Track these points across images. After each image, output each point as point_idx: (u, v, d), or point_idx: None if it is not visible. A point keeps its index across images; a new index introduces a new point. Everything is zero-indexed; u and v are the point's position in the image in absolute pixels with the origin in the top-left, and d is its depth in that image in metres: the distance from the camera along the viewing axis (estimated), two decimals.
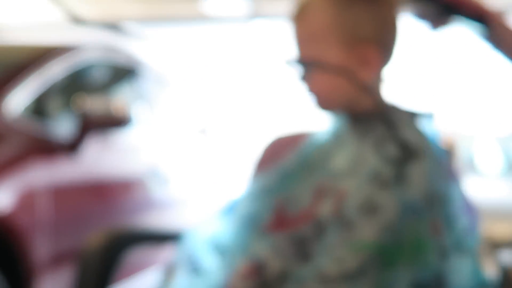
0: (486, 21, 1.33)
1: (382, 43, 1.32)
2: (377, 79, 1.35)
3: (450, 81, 8.42)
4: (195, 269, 1.33)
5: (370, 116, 1.33)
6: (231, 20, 8.65)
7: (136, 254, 1.74)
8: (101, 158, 2.94)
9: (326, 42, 1.31)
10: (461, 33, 1.40)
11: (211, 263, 1.32)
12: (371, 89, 1.34)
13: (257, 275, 1.26)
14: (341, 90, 1.33)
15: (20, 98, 2.66)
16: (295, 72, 1.35)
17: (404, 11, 1.35)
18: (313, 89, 1.34)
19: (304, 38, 1.34)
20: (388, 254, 1.23)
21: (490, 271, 1.35)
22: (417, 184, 1.26)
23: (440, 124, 1.36)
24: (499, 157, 8.27)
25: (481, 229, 1.36)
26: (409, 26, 1.39)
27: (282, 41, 1.38)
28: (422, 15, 1.35)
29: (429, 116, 1.35)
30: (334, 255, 1.23)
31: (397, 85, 1.44)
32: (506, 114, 8.16)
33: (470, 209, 1.33)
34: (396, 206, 1.24)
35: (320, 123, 1.38)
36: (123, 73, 3.47)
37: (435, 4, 1.33)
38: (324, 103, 1.35)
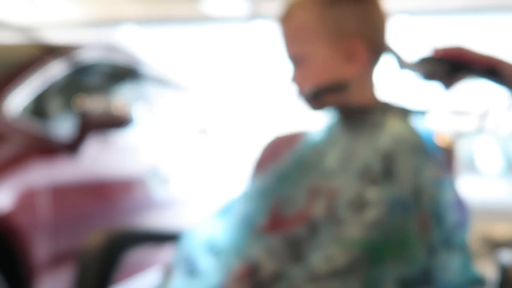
0: (497, 70, 1.33)
1: (369, 39, 1.33)
2: (368, 75, 1.36)
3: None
4: (191, 270, 1.34)
5: (361, 113, 1.34)
6: (231, 21, 8.65)
7: (136, 254, 1.74)
8: (101, 158, 2.94)
9: (312, 39, 1.34)
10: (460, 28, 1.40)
11: (207, 264, 1.32)
12: (362, 86, 1.35)
13: (251, 276, 1.26)
14: (341, 79, 1.34)
15: (20, 98, 2.67)
16: (286, 72, 1.37)
17: (414, 72, 1.36)
18: (302, 88, 1.35)
19: (290, 37, 1.36)
20: (375, 250, 1.24)
21: (490, 271, 1.35)
22: (405, 179, 1.26)
23: (440, 123, 1.37)
24: (499, 157, 8.27)
25: (478, 228, 1.36)
26: (404, 23, 1.40)
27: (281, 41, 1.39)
28: (432, 76, 1.36)
29: (422, 113, 1.35)
30: (324, 253, 1.24)
31: (394, 84, 1.45)
32: (506, 114, 8.16)
33: (461, 205, 1.34)
34: (384, 202, 1.24)
35: (314, 121, 1.39)
36: (123, 73, 3.47)
37: (444, 64, 1.34)
38: (314, 101, 1.36)
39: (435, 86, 1.37)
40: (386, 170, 1.27)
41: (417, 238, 1.25)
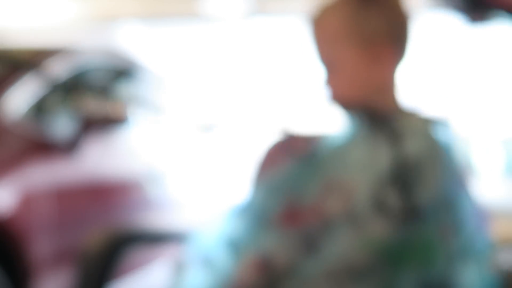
0: None
1: (396, 41, 1.34)
2: (393, 77, 1.36)
3: (451, 83, 8.43)
4: (207, 263, 1.34)
5: (386, 116, 1.34)
6: (232, 19, 8.65)
7: (136, 254, 1.74)
8: (100, 159, 2.94)
9: (340, 44, 1.35)
10: (463, 35, 1.40)
11: (223, 258, 1.33)
12: (388, 90, 1.35)
13: (264, 269, 1.27)
14: (360, 91, 1.35)
15: (20, 99, 2.67)
16: (318, 74, 1.37)
17: (437, 6, 1.35)
18: (333, 91, 1.36)
19: (321, 41, 1.37)
20: (396, 253, 1.24)
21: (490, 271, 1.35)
22: (427, 186, 1.27)
23: (453, 129, 1.37)
24: (500, 157, 8.27)
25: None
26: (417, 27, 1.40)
27: (285, 38, 1.39)
28: (458, 8, 1.35)
29: (445, 123, 1.35)
30: (342, 250, 1.24)
31: (408, 88, 1.45)
32: (508, 116, 8.17)
33: (480, 215, 1.34)
34: (405, 206, 1.25)
35: (332, 120, 1.40)
36: (122, 74, 3.47)
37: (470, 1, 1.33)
38: (344, 103, 1.36)
39: (464, 21, 1.36)
40: (408, 176, 1.27)
41: (438, 246, 1.26)
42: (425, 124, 1.34)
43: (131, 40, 3.93)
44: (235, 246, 1.32)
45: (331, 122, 1.41)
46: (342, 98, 1.36)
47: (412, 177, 1.27)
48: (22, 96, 2.68)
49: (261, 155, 1.40)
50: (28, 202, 2.39)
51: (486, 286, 1.30)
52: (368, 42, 1.34)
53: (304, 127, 1.46)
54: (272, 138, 1.42)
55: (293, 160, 1.34)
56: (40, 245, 2.42)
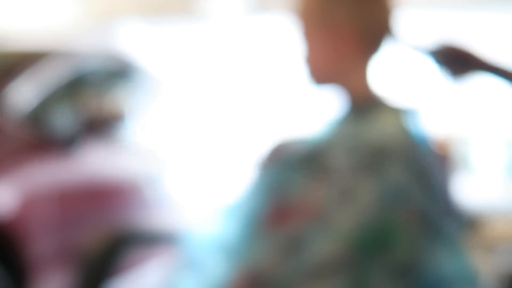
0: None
1: (361, 29, 1.34)
2: (360, 66, 1.36)
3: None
4: (198, 268, 1.34)
5: (356, 105, 1.35)
6: (232, 17, 8.66)
7: (135, 254, 1.74)
8: (100, 159, 2.95)
9: (309, 25, 1.38)
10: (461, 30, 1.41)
11: (214, 263, 1.33)
12: (353, 75, 1.36)
13: (255, 281, 1.28)
14: (325, 72, 1.38)
15: (20, 99, 2.67)
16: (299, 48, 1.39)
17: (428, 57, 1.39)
18: (308, 67, 1.38)
19: (299, 22, 1.40)
20: (365, 242, 1.25)
21: (490, 271, 1.35)
22: (393, 173, 1.28)
23: (439, 124, 1.38)
24: (499, 157, 8.28)
25: (477, 228, 1.37)
26: (407, 22, 1.41)
27: (284, 36, 1.42)
28: (444, 64, 1.38)
29: (415, 112, 1.37)
30: (319, 247, 1.26)
31: (392, 80, 1.46)
32: (508, 115, 8.18)
33: (451, 201, 1.36)
34: (373, 194, 1.26)
35: (318, 118, 1.41)
36: (121, 75, 3.47)
37: (452, 58, 1.37)
38: (316, 75, 1.38)
39: (445, 75, 1.39)
40: (375, 164, 1.29)
41: (405, 231, 1.27)
42: (396, 113, 1.35)
43: (130, 39, 3.93)
44: (226, 252, 1.33)
45: (316, 115, 1.42)
46: (314, 76, 1.39)
47: (381, 163, 1.29)
48: (22, 96, 2.69)
49: (254, 161, 1.41)
50: (28, 202, 2.39)
51: (460, 268, 1.30)
52: (328, 25, 1.36)
53: (298, 126, 1.47)
54: (266, 142, 1.43)
55: (281, 162, 1.35)
56: (41, 245, 2.43)
